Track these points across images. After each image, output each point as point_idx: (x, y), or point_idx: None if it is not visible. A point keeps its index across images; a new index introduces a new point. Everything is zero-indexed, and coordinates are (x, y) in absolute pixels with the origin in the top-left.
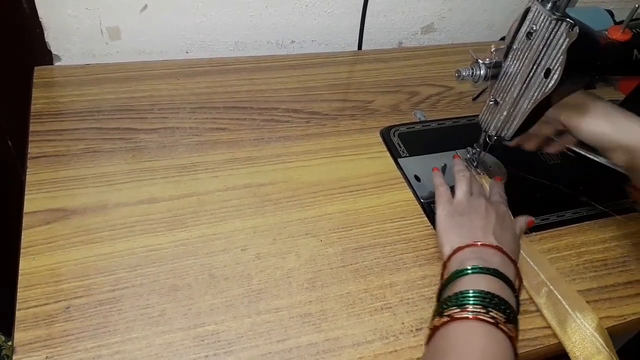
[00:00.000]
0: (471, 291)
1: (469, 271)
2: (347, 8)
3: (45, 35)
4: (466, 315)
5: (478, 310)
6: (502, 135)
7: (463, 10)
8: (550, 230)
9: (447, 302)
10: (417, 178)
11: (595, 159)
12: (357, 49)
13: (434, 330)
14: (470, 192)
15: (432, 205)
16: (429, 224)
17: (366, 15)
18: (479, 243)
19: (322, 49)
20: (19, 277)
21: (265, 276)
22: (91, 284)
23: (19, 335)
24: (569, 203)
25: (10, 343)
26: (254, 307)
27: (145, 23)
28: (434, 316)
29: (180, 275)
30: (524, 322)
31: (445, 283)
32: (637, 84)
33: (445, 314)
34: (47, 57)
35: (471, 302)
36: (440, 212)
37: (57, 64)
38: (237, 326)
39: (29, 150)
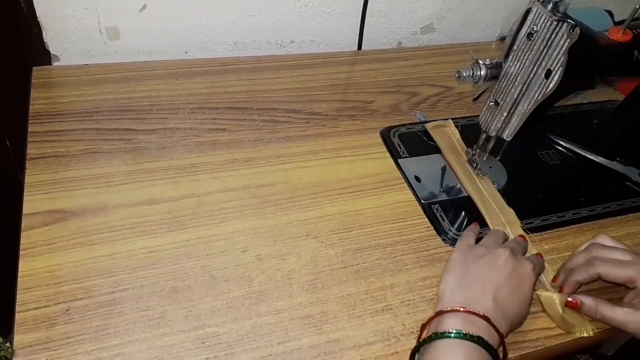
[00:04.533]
0: None
1: (449, 335)
2: (346, 8)
3: (44, 35)
4: None
5: None
6: (502, 135)
7: (462, 11)
8: (550, 230)
9: None
10: (417, 179)
11: (595, 159)
12: (356, 49)
13: None
14: (499, 243)
15: (432, 206)
16: (430, 224)
17: (366, 16)
18: (466, 310)
19: (321, 49)
20: (19, 279)
21: (266, 278)
22: (91, 286)
23: (18, 338)
24: (569, 203)
25: (8, 345)
26: (254, 309)
27: (144, 23)
28: None
29: (181, 277)
30: (525, 323)
31: (422, 342)
32: (636, 85)
33: None
34: (45, 57)
35: None
36: (454, 254)
37: (55, 64)
38: (238, 328)
39: (28, 151)
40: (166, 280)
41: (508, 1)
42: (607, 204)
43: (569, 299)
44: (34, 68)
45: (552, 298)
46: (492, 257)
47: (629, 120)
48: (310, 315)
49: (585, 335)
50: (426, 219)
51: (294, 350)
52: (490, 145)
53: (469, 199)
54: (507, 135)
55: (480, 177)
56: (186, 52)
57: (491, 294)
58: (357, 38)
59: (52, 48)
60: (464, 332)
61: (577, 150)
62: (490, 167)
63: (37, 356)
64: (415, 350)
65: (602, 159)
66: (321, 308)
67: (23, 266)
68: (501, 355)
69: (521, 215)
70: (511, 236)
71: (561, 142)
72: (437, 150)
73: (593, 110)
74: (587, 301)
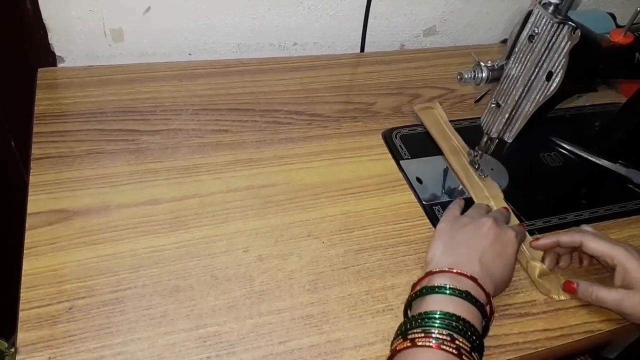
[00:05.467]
0: (438, 313)
1: (439, 290)
2: (349, 10)
3: (49, 36)
4: (429, 344)
5: (443, 337)
6: (504, 137)
7: (465, 13)
8: (552, 232)
9: (412, 323)
10: (418, 180)
11: (597, 161)
12: (359, 51)
13: (394, 353)
14: (483, 214)
15: (434, 207)
16: (431, 226)
17: (368, 18)
18: (454, 270)
19: (324, 51)
20: (22, 278)
21: (267, 278)
22: (94, 285)
23: (22, 336)
24: (571, 206)
25: (12, 350)
26: (255, 308)
27: (148, 25)
28: (397, 335)
29: (183, 277)
30: (526, 324)
31: (414, 296)
32: (638, 87)
33: (408, 336)
34: (50, 59)
35: (437, 326)
36: (440, 224)
37: (60, 65)
38: (239, 327)
39: (32, 152)
40: (168, 280)
41: (510, 4)
42: (609, 206)
43: (566, 281)
44: (39, 69)
45: (533, 265)
46: (476, 225)
47: (631, 122)
48: (311, 315)
49: (562, 298)
50: (427, 220)
51: (295, 349)
52: (492, 147)
53: (471, 201)
54: (509, 137)
55: (482, 178)
56: (190, 54)
57: (477, 258)
58: (360, 40)
59: (57, 49)
60: (451, 286)
61: (579, 153)
62: (492, 169)
63: (40, 354)
64: (407, 307)
65: (604, 161)
66: (322, 308)
67: (27, 265)
68: (488, 312)
69: (523, 217)
70: (494, 209)
71: (563, 144)
72: (439, 152)
73: (595, 113)
74: (583, 283)
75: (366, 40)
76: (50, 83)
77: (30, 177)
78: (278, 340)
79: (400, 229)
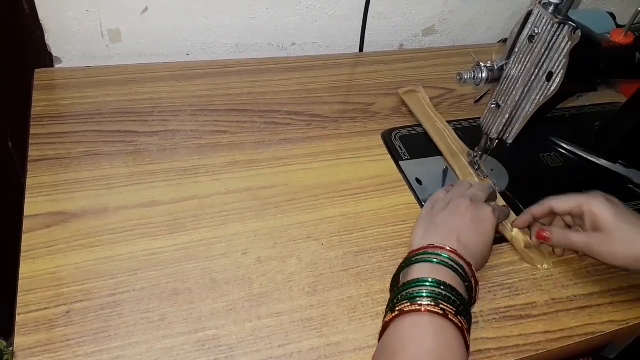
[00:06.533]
0: (421, 280)
1: (420, 259)
2: (348, 10)
3: (46, 37)
4: (416, 308)
5: (427, 302)
6: (504, 138)
7: (464, 13)
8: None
9: (398, 297)
10: (418, 181)
11: (597, 161)
12: (358, 51)
13: (385, 326)
14: (463, 194)
15: None
16: None
17: (367, 18)
18: (434, 245)
19: (323, 51)
20: (19, 281)
21: (267, 280)
22: (91, 288)
23: (19, 340)
24: None
25: (11, 348)
26: (255, 311)
27: (146, 25)
28: (386, 312)
29: (181, 280)
30: (527, 326)
31: (398, 271)
32: (638, 87)
33: (396, 309)
34: (47, 60)
35: (423, 294)
36: (422, 211)
37: (57, 66)
38: (238, 331)
39: (30, 153)
40: (167, 283)
41: (509, 3)
42: None
43: (539, 230)
44: (36, 70)
45: (516, 237)
46: (454, 206)
47: (631, 122)
48: (311, 318)
49: (546, 267)
50: None
51: (294, 353)
52: (492, 147)
53: None
54: (509, 137)
55: (482, 179)
56: (187, 54)
57: (456, 236)
58: (359, 40)
59: (54, 50)
60: (432, 254)
61: (579, 153)
62: (492, 170)
63: (37, 358)
64: (392, 286)
65: (604, 161)
66: (322, 311)
67: (24, 268)
68: (473, 284)
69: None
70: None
71: (563, 145)
72: (438, 152)
73: (595, 113)
74: (555, 230)
75: (365, 40)
76: (47, 84)
77: (28, 179)
78: (277, 343)
79: (399, 231)
